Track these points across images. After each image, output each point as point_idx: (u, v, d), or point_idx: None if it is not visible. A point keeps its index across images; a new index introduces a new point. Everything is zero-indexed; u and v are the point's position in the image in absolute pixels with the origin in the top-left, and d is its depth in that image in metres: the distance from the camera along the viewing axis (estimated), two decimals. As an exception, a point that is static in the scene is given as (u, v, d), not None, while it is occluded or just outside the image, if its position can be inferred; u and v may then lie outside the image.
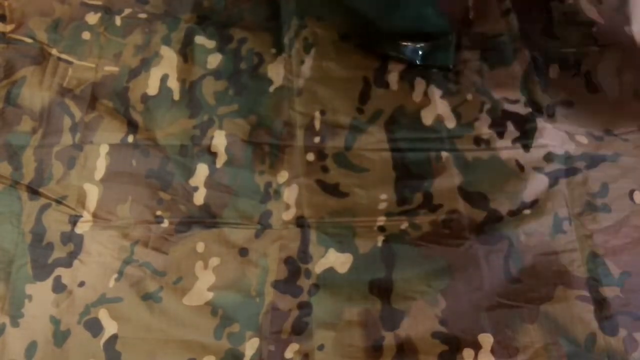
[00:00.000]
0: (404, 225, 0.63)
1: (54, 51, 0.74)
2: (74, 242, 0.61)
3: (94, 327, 0.58)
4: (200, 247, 0.61)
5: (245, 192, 0.65)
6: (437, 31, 0.70)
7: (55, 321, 0.58)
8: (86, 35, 0.75)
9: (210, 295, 0.59)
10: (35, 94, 0.70)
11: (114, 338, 0.57)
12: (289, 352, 0.56)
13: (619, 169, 0.65)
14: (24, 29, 0.75)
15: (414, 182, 0.65)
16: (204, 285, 0.59)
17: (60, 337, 0.57)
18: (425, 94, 0.71)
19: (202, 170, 0.66)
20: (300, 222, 0.63)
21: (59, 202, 0.63)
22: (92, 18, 0.76)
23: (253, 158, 0.67)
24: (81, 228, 0.62)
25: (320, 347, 0.56)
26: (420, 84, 0.71)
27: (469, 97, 0.70)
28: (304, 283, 0.60)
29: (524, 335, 0.56)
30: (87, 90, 0.71)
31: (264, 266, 0.60)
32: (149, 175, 0.65)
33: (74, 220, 0.62)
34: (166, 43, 0.74)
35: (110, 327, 0.58)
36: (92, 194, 0.64)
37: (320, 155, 0.66)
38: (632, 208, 0.63)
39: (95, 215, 0.63)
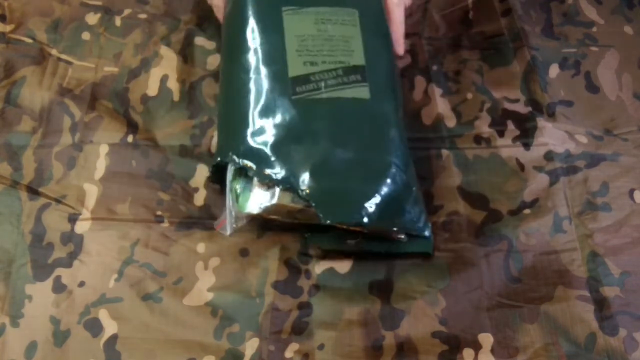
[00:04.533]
0: None
1: (54, 51, 0.74)
2: (74, 242, 0.61)
3: (94, 327, 0.57)
4: (200, 247, 0.61)
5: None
6: None
7: (55, 321, 0.58)
8: (86, 35, 0.75)
9: (210, 296, 0.59)
10: (35, 94, 0.70)
11: (114, 338, 0.57)
12: (289, 352, 0.56)
13: (619, 168, 0.65)
14: (24, 29, 0.75)
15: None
16: (204, 285, 0.59)
17: (60, 337, 0.57)
18: (426, 92, 0.71)
19: (202, 171, 0.66)
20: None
21: (58, 201, 0.63)
22: (92, 18, 0.76)
23: (253, 159, 0.67)
24: (81, 227, 0.62)
25: (321, 347, 0.56)
26: (420, 82, 0.71)
27: (469, 96, 0.70)
28: (304, 283, 0.60)
29: (524, 335, 0.56)
30: (87, 91, 0.71)
31: (265, 267, 0.60)
32: (149, 175, 0.65)
33: (73, 218, 0.62)
34: (166, 44, 0.74)
35: (110, 327, 0.57)
36: (92, 192, 0.64)
37: (321, 155, 0.66)
38: (632, 207, 0.63)
39: (94, 213, 0.63)
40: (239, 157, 0.56)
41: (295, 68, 0.58)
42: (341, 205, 0.54)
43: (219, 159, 0.57)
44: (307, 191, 0.53)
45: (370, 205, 0.54)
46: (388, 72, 0.62)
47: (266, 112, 0.57)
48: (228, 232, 0.58)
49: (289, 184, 0.54)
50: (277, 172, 0.54)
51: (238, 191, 0.56)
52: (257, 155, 0.55)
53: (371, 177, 0.56)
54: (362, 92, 0.58)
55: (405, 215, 0.57)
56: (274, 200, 0.55)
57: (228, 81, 0.62)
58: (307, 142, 0.56)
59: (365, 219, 0.53)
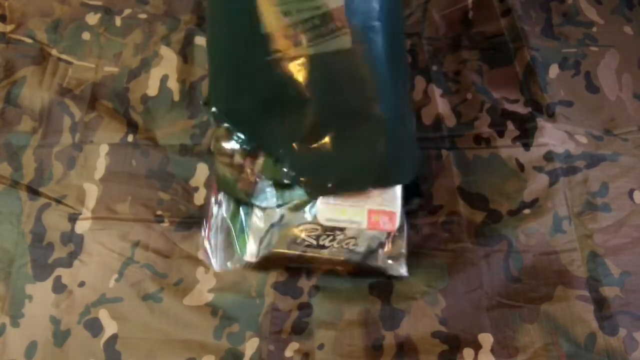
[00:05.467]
0: None
1: (54, 51, 0.74)
2: (74, 242, 0.61)
3: (94, 327, 0.58)
4: (201, 254, 0.61)
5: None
6: None
7: (55, 321, 0.58)
8: (86, 35, 0.75)
9: (210, 297, 0.59)
10: (35, 94, 0.70)
11: (114, 338, 0.57)
12: (289, 352, 0.56)
13: (619, 168, 0.65)
14: (24, 29, 0.75)
15: (413, 182, 0.65)
16: (204, 287, 0.59)
17: (60, 337, 0.57)
18: (425, 92, 0.71)
19: (202, 170, 0.66)
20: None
21: (58, 201, 0.63)
22: (92, 18, 0.76)
23: (253, 159, 0.66)
24: (81, 227, 0.62)
25: (321, 347, 0.56)
26: (420, 82, 0.71)
27: (469, 96, 0.70)
28: (305, 284, 0.60)
29: (524, 335, 0.56)
30: (87, 91, 0.71)
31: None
32: (149, 175, 0.65)
33: (74, 218, 0.62)
34: (166, 43, 0.74)
35: (110, 327, 0.57)
36: (92, 192, 0.64)
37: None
38: (632, 207, 0.63)
39: (94, 213, 0.63)
40: (222, 115, 0.52)
41: (270, 22, 0.50)
42: (327, 181, 0.50)
43: (206, 104, 0.54)
44: (293, 169, 0.50)
45: (362, 176, 0.51)
46: (373, 8, 0.53)
47: (246, 74, 0.52)
48: (217, 269, 0.57)
49: (272, 155, 0.51)
50: (257, 142, 0.51)
51: (235, 235, 0.55)
52: (239, 120, 0.52)
53: (360, 144, 0.51)
54: (343, 41, 0.50)
55: (401, 170, 0.53)
56: (271, 248, 0.54)
57: (211, 32, 0.57)
58: (289, 111, 0.51)
59: (356, 186, 0.51)
